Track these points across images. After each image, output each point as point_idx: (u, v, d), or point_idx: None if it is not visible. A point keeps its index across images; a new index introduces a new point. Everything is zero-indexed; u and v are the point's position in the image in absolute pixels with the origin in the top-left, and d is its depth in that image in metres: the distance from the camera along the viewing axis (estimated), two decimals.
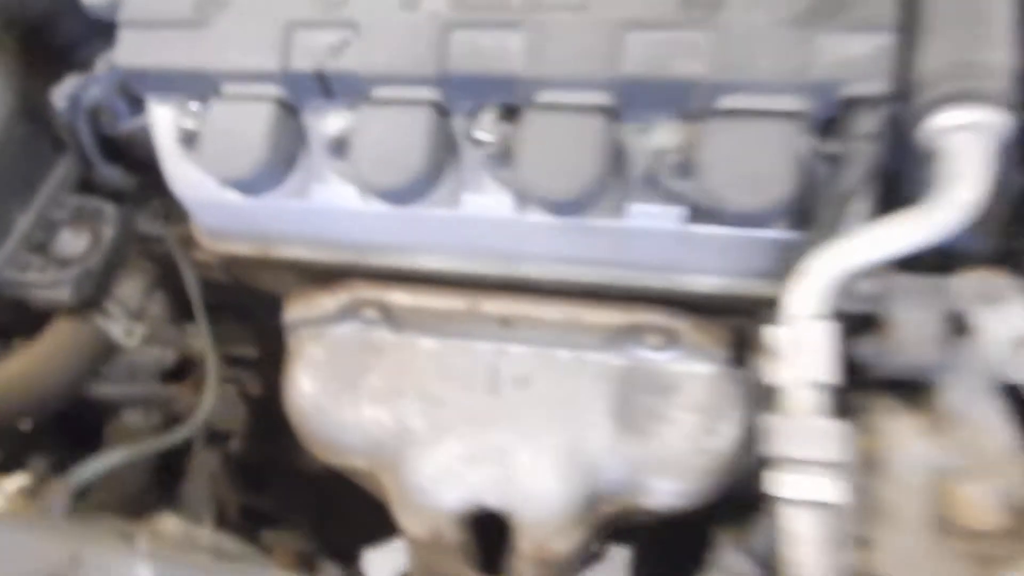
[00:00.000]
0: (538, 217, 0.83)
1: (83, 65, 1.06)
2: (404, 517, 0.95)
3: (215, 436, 1.28)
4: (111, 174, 1.03)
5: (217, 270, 1.07)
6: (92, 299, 0.96)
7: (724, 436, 0.89)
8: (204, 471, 1.21)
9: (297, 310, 1.04)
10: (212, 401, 1.04)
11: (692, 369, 0.91)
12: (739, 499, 0.95)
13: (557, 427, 0.92)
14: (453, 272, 0.93)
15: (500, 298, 0.94)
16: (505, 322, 0.94)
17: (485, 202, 0.85)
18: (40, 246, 0.99)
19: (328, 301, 1.01)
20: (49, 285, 0.96)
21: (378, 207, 0.88)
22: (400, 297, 0.97)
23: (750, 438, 0.89)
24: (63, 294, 0.95)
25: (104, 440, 1.15)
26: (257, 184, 0.88)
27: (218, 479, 1.22)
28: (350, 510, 1.47)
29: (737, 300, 0.84)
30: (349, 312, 1.00)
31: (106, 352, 1.01)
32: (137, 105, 1.04)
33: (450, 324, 0.96)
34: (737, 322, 0.89)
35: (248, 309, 1.22)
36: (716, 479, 0.89)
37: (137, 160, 1.09)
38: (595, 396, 0.92)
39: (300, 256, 0.97)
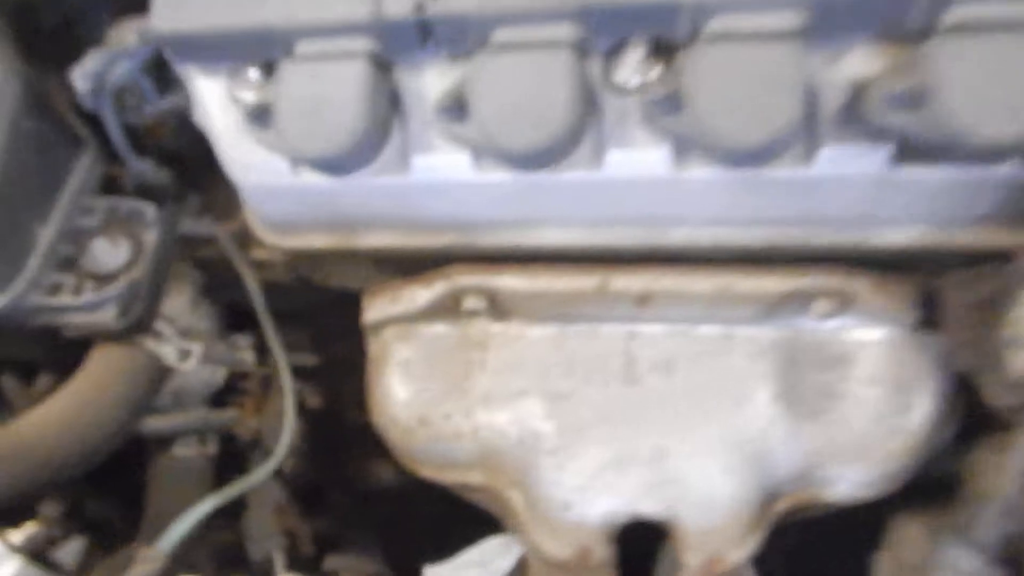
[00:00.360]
0: (702, 172, 0.70)
1: (87, 43, 0.89)
2: (541, 536, 0.82)
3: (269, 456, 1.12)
4: (143, 169, 0.86)
5: (280, 270, 0.92)
6: (142, 320, 0.80)
7: (917, 411, 0.77)
8: (268, 501, 1.05)
9: (380, 307, 0.89)
10: (292, 432, 0.89)
11: (870, 336, 0.79)
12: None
13: (716, 416, 0.80)
14: (585, 246, 0.78)
15: (635, 272, 0.80)
16: (642, 299, 0.81)
17: (634, 159, 0.71)
18: (69, 262, 0.82)
19: (420, 293, 0.86)
20: (88, 308, 0.79)
21: (498, 176, 0.73)
22: (511, 281, 0.83)
23: (945, 411, 0.78)
24: (107, 317, 0.79)
25: (152, 479, 0.99)
26: (349, 161, 0.72)
27: (285, 510, 1.07)
28: (416, 524, 1.34)
29: (935, 253, 0.72)
30: (446, 303, 0.85)
31: (161, 381, 0.85)
32: (166, 85, 0.87)
33: (574, 307, 0.83)
34: (923, 278, 0.77)
35: (303, 312, 1.06)
36: (910, 461, 0.78)
37: (164, 151, 0.93)
38: (755, 377, 0.80)
39: (391, 243, 0.82)
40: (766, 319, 0.80)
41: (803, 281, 0.77)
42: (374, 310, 0.89)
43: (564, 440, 0.81)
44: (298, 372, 1.12)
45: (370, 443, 1.20)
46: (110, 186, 0.92)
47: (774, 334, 0.81)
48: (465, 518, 1.36)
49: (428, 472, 0.87)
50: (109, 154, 0.91)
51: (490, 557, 1.47)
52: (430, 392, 0.86)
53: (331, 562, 1.23)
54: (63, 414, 0.77)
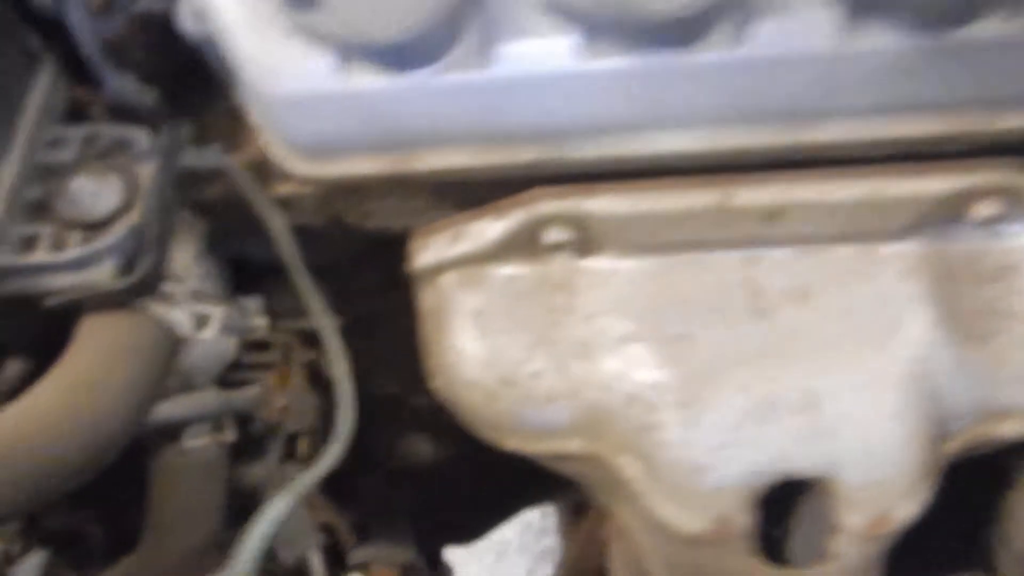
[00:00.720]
0: (880, 40, 0.55)
1: None
2: (667, 508, 0.67)
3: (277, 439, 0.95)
4: (122, 88, 0.67)
5: (308, 210, 0.74)
6: (151, 277, 0.62)
7: None
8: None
9: (437, 248, 0.72)
10: (352, 418, 0.72)
11: None
12: None
13: (868, 350, 0.66)
14: (706, 153, 0.64)
15: (764, 183, 0.66)
16: (771, 216, 0.66)
17: (791, 30, 0.56)
18: (40, 208, 0.63)
19: (490, 226, 0.70)
20: (77, 266, 0.60)
21: (614, 61, 0.57)
22: (608, 203, 0.67)
23: None
24: (104, 276, 0.60)
25: (158, 478, 0.81)
26: (422, 49, 0.56)
27: (315, 501, 0.90)
28: (452, 505, 1.19)
29: None
30: (522, 237, 0.70)
31: (174, 356, 0.67)
32: None
33: (682, 232, 0.68)
34: None
35: (314, 264, 0.88)
36: None
37: (142, 68, 0.74)
38: (908, 300, 0.67)
39: (459, 164, 0.66)
40: (913, 230, 0.67)
41: (969, 179, 0.64)
42: (428, 252, 0.73)
43: (691, 391, 0.67)
44: (313, 338, 0.95)
45: (399, 416, 1.05)
46: (75, 116, 0.73)
47: (924, 247, 0.67)
48: (507, 495, 1.22)
49: (515, 443, 0.72)
50: (71, 75, 0.71)
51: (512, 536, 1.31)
52: (512, 347, 0.70)
53: (359, 554, 1.07)
54: (58, 406, 0.59)
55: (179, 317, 0.66)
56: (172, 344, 0.66)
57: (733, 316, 0.68)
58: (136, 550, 0.86)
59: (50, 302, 0.61)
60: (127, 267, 0.61)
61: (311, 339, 0.93)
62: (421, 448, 1.07)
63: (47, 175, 0.64)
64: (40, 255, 0.60)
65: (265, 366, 0.86)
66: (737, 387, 0.67)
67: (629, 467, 0.69)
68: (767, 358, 0.67)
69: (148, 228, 0.62)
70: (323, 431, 1.01)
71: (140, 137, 0.65)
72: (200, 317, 0.68)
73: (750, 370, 0.67)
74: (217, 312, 0.68)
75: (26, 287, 0.61)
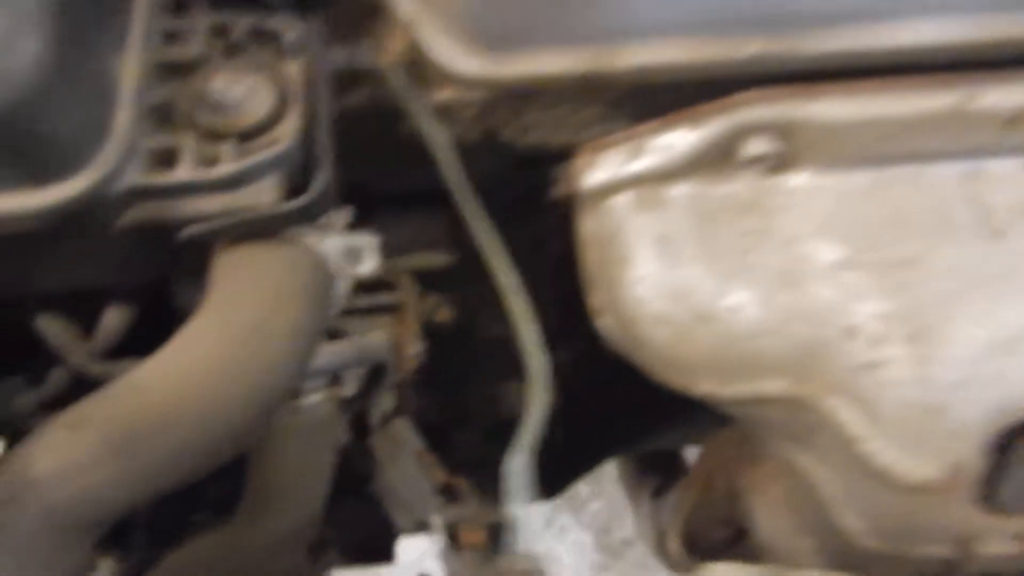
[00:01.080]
0: None
1: None
2: (892, 454, 0.60)
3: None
4: None
5: (463, 120, 0.62)
6: (323, 199, 0.50)
7: None
8: (406, 449, 0.79)
9: (610, 164, 0.63)
10: (545, 361, 0.62)
11: None
12: None
13: None
14: (956, 45, 0.55)
15: (1011, 83, 0.58)
16: (1012, 122, 0.58)
17: None
18: (169, 113, 0.51)
19: (682, 137, 0.61)
20: (231, 184, 0.48)
21: None
22: (831, 107, 0.58)
23: None
24: (265, 194, 0.49)
25: (270, 443, 0.69)
26: None
27: (427, 458, 0.80)
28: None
29: None
30: (718, 150, 0.60)
31: (330, 297, 0.55)
32: None
33: (908, 140, 0.60)
34: None
35: (430, 192, 0.77)
36: None
37: None
38: None
39: (666, 60, 0.56)
40: None
41: None
42: (600, 170, 0.63)
43: (923, 322, 0.59)
44: (426, 278, 0.84)
45: (500, 362, 0.95)
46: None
47: None
48: (594, 447, 1.14)
49: (710, 386, 0.63)
50: None
51: None
52: (706, 277, 0.61)
53: (447, 514, 0.98)
54: (219, 358, 0.47)
55: (331, 249, 0.55)
56: (330, 281, 0.55)
57: (962, 237, 0.61)
58: (235, 521, 0.76)
59: (193, 231, 0.50)
60: (299, 184, 0.49)
61: (423, 279, 0.83)
62: (515, 400, 0.98)
63: (171, 74, 0.52)
64: (184, 171, 0.48)
65: (376, 310, 0.75)
66: (976, 317, 0.59)
67: (843, 409, 0.61)
68: (1007, 283, 0.60)
69: (315, 136, 0.50)
70: (433, 381, 0.91)
71: (288, 26, 0.53)
72: (352, 250, 0.57)
73: (989, 297, 0.59)
74: (370, 244, 0.57)
75: (165, 212, 0.49)
